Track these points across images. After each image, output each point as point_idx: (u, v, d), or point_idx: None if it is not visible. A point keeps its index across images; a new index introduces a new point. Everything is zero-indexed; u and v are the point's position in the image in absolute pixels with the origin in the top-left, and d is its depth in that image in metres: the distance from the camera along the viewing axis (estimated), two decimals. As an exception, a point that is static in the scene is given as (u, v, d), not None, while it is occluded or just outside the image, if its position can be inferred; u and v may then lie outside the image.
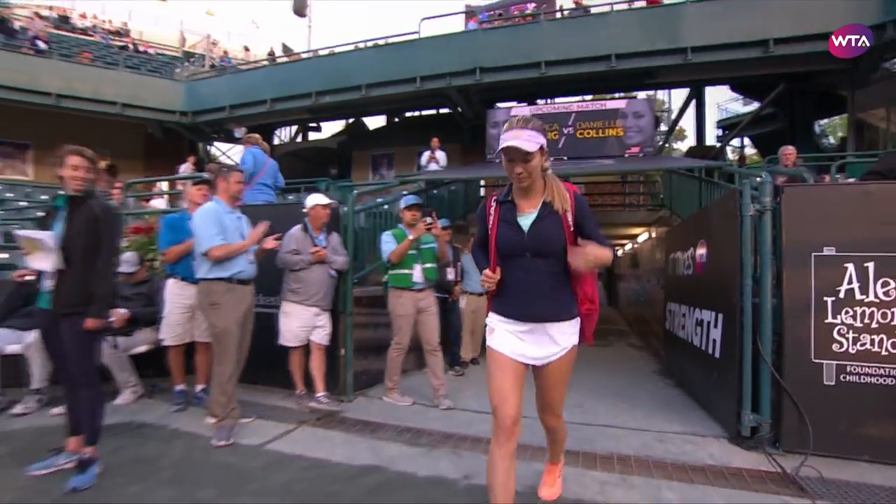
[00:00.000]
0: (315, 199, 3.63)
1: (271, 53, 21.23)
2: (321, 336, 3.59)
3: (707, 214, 4.13)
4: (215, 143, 14.69)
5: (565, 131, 8.19)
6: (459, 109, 9.93)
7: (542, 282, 1.78)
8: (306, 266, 3.50)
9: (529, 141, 1.67)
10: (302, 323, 3.50)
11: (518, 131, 1.69)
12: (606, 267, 1.74)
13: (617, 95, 10.65)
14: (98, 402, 2.51)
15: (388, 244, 3.71)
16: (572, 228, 1.77)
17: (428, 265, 3.80)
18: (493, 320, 1.88)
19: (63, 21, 19.53)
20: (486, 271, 1.80)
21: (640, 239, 9.25)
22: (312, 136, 15.65)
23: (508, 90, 9.07)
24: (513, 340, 1.82)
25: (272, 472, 2.56)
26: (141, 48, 18.10)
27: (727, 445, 3.02)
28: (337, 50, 10.21)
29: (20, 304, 3.51)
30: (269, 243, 3.19)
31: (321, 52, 10.73)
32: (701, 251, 3.96)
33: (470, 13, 23.64)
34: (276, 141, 14.38)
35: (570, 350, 1.84)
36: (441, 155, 8.63)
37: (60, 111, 10.39)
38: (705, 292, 3.84)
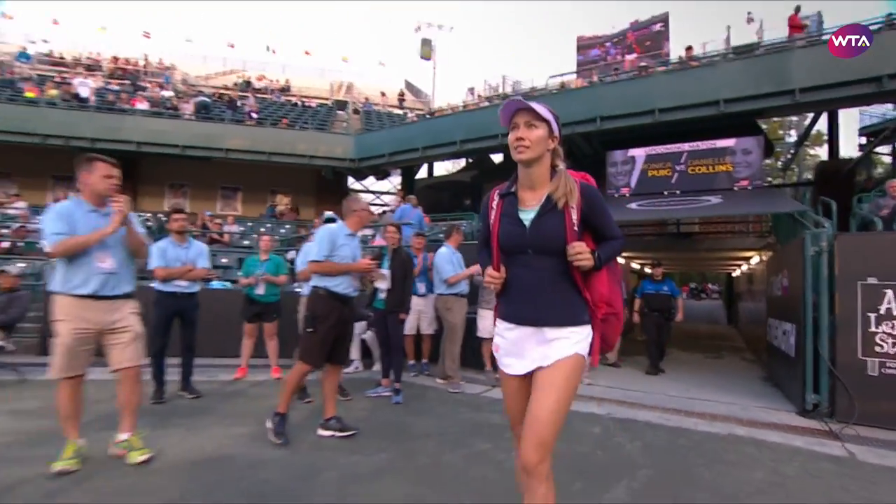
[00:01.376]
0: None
1: (428, 113, 24.48)
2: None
3: (787, 250, 5.42)
4: (362, 181, 17.97)
5: (678, 168, 9.44)
6: (579, 146, 11.55)
7: (545, 281, 1.61)
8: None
9: (538, 107, 1.59)
10: (491, 322, 5.49)
11: (531, 103, 1.61)
12: (589, 268, 1.57)
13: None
14: (399, 360, 4.68)
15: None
16: (576, 223, 1.59)
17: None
18: (497, 330, 1.76)
19: (247, 86, 24.79)
20: (490, 270, 1.69)
21: (753, 261, 10.03)
22: (439, 169, 18.27)
23: (625, 132, 10.49)
24: (514, 352, 1.68)
25: (491, 404, 4.52)
26: (304, 101, 22.33)
27: (793, 415, 4.39)
28: (472, 107, 12.49)
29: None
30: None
31: (460, 108, 13.13)
32: (784, 278, 5.26)
33: (584, 45, 25.03)
34: (417, 175, 17.11)
35: (570, 358, 1.58)
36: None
37: (268, 164, 13.95)
38: (787, 309, 5.14)
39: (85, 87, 14.76)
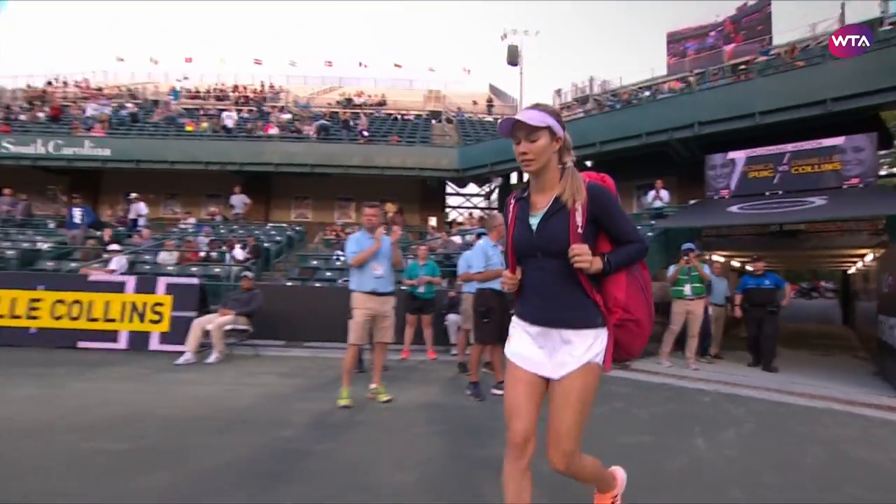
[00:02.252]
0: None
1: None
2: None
3: (891, 250, 5.87)
4: (463, 188, 19.42)
5: (780, 169, 9.70)
6: (676, 150, 12.03)
7: (555, 283, 1.64)
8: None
9: (535, 119, 1.60)
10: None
11: (525, 111, 1.64)
12: (593, 271, 1.59)
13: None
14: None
15: (669, 271, 6.52)
16: (580, 224, 1.60)
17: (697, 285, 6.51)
18: (513, 324, 1.79)
19: (348, 103, 27.35)
20: (506, 272, 1.75)
21: (867, 259, 9.95)
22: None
23: (724, 136, 10.85)
24: (528, 348, 1.71)
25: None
26: (403, 115, 24.28)
27: (892, 399, 4.96)
28: (569, 116, 13.38)
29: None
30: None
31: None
32: (891, 276, 5.75)
33: (676, 40, 24.71)
34: (513, 180, 18.24)
35: (586, 366, 1.61)
36: (665, 194, 10.98)
37: (380, 176, 15.80)
38: (893, 305, 5.63)
39: (230, 118, 17.61)
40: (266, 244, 11.83)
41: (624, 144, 11.89)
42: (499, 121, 1.86)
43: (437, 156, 15.55)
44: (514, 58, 28.06)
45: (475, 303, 4.72)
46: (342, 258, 10.77)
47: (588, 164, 15.68)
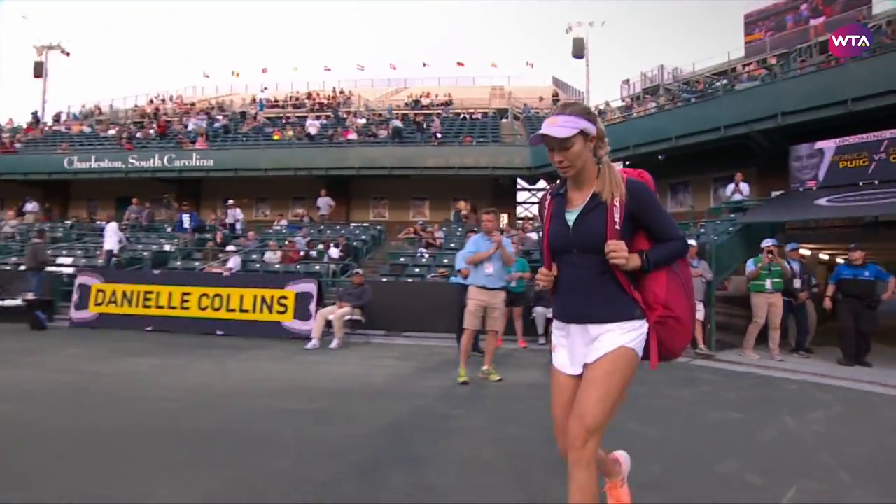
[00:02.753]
0: (689, 241, 6.95)
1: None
2: (700, 315, 6.84)
3: None
4: (534, 184, 19.84)
5: (876, 157, 9.38)
6: (757, 142, 11.79)
7: (591, 280, 1.63)
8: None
9: (564, 127, 1.57)
10: (689, 309, 6.84)
11: (553, 118, 1.61)
12: (631, 268, 1.58)
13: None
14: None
15: (749, 267, 6.75)
16: (618, 220, 1.59)
17: (777, 280, 6.70)
18: (553, 327, 1.82)
19: (416, 104, 28.38)
20: (542, 269, 1.76)
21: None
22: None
23: (811, 125, 10.55)
24: (565, 352, 1.73)
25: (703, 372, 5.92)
26: (472, 114, 24.88)
27: None
28: (641, 112, 13.43)
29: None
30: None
31: (633, 116, 14.19)
32: None
33: (753, 20, 23.52)
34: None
35: (613, 352, 1.58)
36: (745, 187, 10.89)
37: (453, 176, 16.57)
38: None
39: (314, 126, 19.08)
40: (354, 243, 12.94)
41: (701, 138, 11.84)
42: (531, 136, 1.98)
43: (509, 154, 16.10)
44: (579, 51, 27.89)
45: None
46: (426, 255, 11.64)
47: (660, 157, 15.60)
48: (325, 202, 16.22)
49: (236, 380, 4.80)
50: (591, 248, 1.61)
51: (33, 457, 2.70)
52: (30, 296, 8.77)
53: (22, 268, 10.57)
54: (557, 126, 1.57)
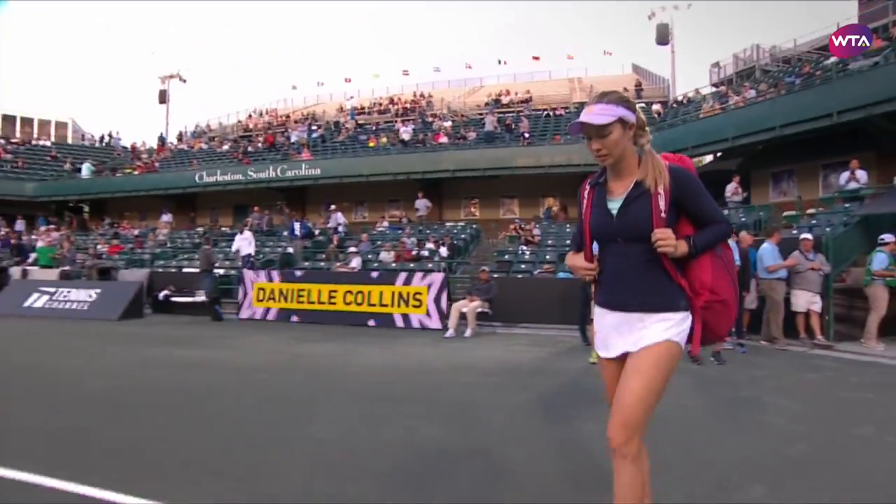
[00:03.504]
0: (805, 235, 7.18)
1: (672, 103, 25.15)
2: (817, 307, 7.09)
3: None
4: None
5: None
6: (877, 125, 11.28)
7: (636, 268, 1.64)
8: (803, 271, 7.08)
9: (602, 115, 1.58)
10: (806, 300, 7.10)
11: (591, 106, 1.63)
12: (678, 254, 1.56)
13: None
14: (741, 323, 6.78)
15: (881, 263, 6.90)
16: (663, 208, 1.58)
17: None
18: (595, 315, 1.81)
19: (496, 104, 29.09)
20: (584, 263, 1.75)
21: None
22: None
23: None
24: (611, 338, 1.71)
25: (814, 358, 6.25)
26: (554, 111, 25.19)
27: None
28: (741, 103, 13.25)
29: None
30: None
31: (731, 107, 14.04)
32: None
33: None
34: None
35: (660, 345, 1.58)
36: (861, 174, 10.58)
37: (544, 174, 17.18)
38: None
39: (406, 132, 20.48)
40: (455, 241, 14.01)
41: (810, 126, 11.57)
42: (569, 124, 2.00)
43: (600, 150, 16.43)
44: (663, 37, 27.23)
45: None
46: (527, 252, 12.44)
47: (759, 147, 15.23)
48: (422, 204, 17.49)
49: (411, 360, 5.92)
50: (636, 236, 1.62)
51: (316, 407, 3.86)
52: (201, 294, 10.67)
53: (187, 270, 12.72)
54: (595, 114, 1.60)
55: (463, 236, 14.96)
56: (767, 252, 6.96)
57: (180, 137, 32.95)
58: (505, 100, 29.47)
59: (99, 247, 17.42)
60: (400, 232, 15.91)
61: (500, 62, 41.01)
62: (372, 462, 2.70)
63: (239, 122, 35.78)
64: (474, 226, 16.44)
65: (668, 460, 2.62)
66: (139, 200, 24.03)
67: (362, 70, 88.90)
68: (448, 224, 17.83)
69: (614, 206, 1.67)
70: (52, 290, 10.46)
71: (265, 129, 30.73)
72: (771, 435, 3.26)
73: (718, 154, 17.41)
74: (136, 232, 20.86)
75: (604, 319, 1.74)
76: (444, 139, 19.81)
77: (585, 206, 1.77)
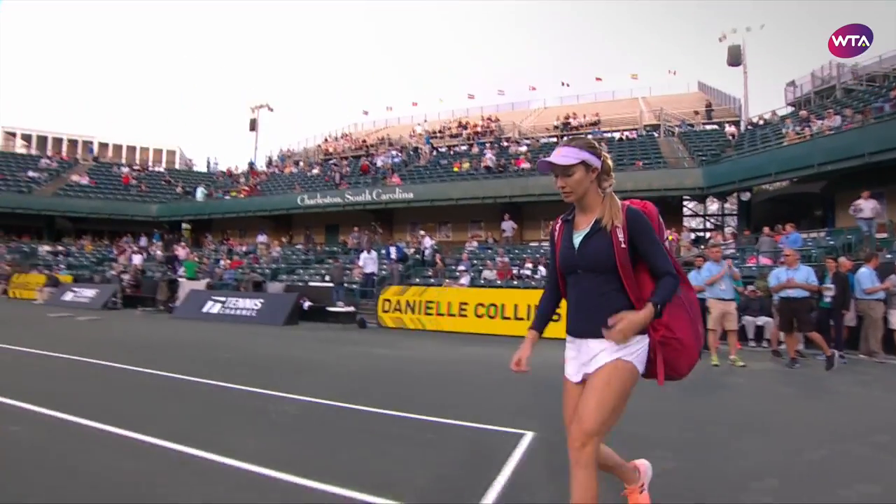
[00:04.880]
0: None
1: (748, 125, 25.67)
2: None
3: None
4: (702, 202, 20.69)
5: None
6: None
7: (593, 297, 1.82)
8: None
9: (566, 157, 1.82)
10: (902, 318, 8.03)
11: (560, 149, 1.87)
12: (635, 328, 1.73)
13: None
14: (840, 338, 7.81)
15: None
16: (622, 240, 1.79)
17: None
18: (566, 341, 1.96)
19: (565, 127, 30.36)
20: (517, 357, 2.02)
21: None
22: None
23: None
24: (572, 362, 1.91)
25: None
26: (626, 135, 26.15)
27: None
28: (827, 131, 14.02)
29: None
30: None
31: (817, 136, 14.81)
32: None
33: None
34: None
35: (610, 364, 1.77)
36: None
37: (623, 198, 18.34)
38: None
39: (491, 159, 22.23)
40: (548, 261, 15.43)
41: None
42: (538, 162, 1.95)
43: (680, 176, 17.48)
44: (736, 58, 27.77)
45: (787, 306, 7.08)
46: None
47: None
48: (508, 225, 19.06)
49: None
50: (594, 267, 1.82)
51: (534, 396, 5.40)
52: (340, 304, 12.61)
53: (313, 284, 14.82)
54: (561, 156, 1.83)
55: (551, 256, 16.35)
56: (865, 276, 7.98)
57: (269, 163, 36.30)
58: (574, 122, 30.56)
59: (221, 262, 20.13)
60: (490, 251, 17.52)
61: (563, 84, 41.83)
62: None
63: (319, 146, 38.82)
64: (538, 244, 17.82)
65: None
66: (240, 220, 27.01)
67: (427, 93, 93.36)
68: (532, 244, 19.31)
69: (577, 239, 1.89)
70: (224, 299, 12.74)
71: (345, 153, 33.49)
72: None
73: (795, 180, 17.89)
74: (244, 248, 23.66)
75: (569, 346, 1.94)
76: (525, 164, 21.38)
77: (556, 239, 2.01)
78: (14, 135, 37.55)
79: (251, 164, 35.55)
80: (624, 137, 24.75)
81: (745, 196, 15.74)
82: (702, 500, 2.58)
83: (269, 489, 2.57)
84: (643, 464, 2.26)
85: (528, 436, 3.51)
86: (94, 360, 6.13)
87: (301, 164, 32.77)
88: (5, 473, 2.69)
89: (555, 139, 28.69)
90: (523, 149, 24.95)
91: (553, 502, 2.49)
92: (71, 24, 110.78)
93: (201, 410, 4.22)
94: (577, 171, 1.84)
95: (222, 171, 34.86)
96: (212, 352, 7.50)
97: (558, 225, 2.03)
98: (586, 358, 1.86)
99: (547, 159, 1.88)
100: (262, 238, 24.43)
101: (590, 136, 26.48)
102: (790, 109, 23.18)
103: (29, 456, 2.97)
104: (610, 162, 1.93)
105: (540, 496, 2.60)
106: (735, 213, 21.64)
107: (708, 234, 20.82)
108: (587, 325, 1.84)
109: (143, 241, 25.54)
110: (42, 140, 38.06)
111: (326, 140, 40.90)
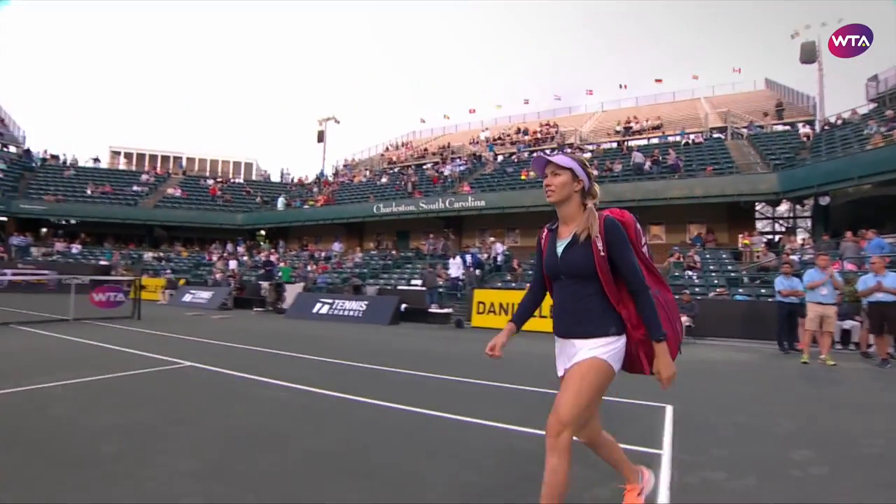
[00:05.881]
0: None
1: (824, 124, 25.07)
2: None
3: None
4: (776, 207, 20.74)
5: None
6: None
7: (574, 301, 2.01)
8: None
9: (562, 160, 2.05)
10: None
11: (558, 155, 2.11)
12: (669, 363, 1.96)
13: None
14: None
15: None
16: (601, 248, 1.96)
17: None
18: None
19: (626, 131, 30.67)
20: (494, 342, 2.22)
21: None
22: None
23: None
24: (559, 358, 2.13)
25: None
26: (691, 139, 26.20)
27: None
28: None
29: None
30: None
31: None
32: None
33: None
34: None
35: (586, 361, 1.96)
36: None
37: (691, 205, 18.75)
38: None
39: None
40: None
41: None
42: (532, 159, 2.14)
43: (754, 181, 17.73)
44: (810, 56, 27.27)
45: (877, 310, 7.74)
46: (694, 276, 14.31)
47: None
48: (578, 231, 19.88)
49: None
50: (575, 273, 2.00)
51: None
52: (434, 307, 13.97)
53: (402, 287, 16.28)
54: (559, 158, 2.08)
55: (624, 261, 17.07)
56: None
57: (336, 173, 38.60)
58: (635, 126, 30.76)
59: (308, 268, 22.05)
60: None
61: (620, 86, 41.94)
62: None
63: (382, 155, 40.75)
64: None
65: None
66: (315, 227, 29.13)
67: (482, 100, 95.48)
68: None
69: (560, 247, 2.07)
70: (331, 301, 14.41)
71: (407, 161, 35.18)
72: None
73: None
74: (323, 254, 25.65)
75: (556, 344, 2.13)
76: (593, 172, 22.09)
77: (543, 247, 2.17)
78: (119, 153, 42.01)
79: (320, 175, 37.96)
80: (690, 141, 24.86)
81: (825, 200, 15.87)
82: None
83: (499, 435, 3.82)
84: (648, 471, 2.44)
85: (669, 408, 4.60)
86: (284, 352, 7.69)
87: (368, 172, 34.76)
88: (307, 423, 4.09)
89: (616, 144, 29.14)
90: (587, 155, 25.66)
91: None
92: (157, 52, 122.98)
93: (436, 393, 5.44)
94: (564, 174, 2.06)
95: (294, 181, 37.49)
96: (365, 346, 8.89)
97: (544, 234, 2.21)
98: (569, 355, 2.05)
99: (544, 156, 2.12)
100: (337, 246, 26.41)
101: (655, 141, 27.09)
102: (872, 106, 22.63)
103: (303, 413, 4.39)
104: (597, 189, 2.14)
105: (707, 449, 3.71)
106: (808, 215, 21.51)
107: (778, 238, 20.77)
108: (570, 327, 2.05)
109: (230, 248, 28.15)
110: (140, 157, 42.27)
111: (387, 149, 42.87)
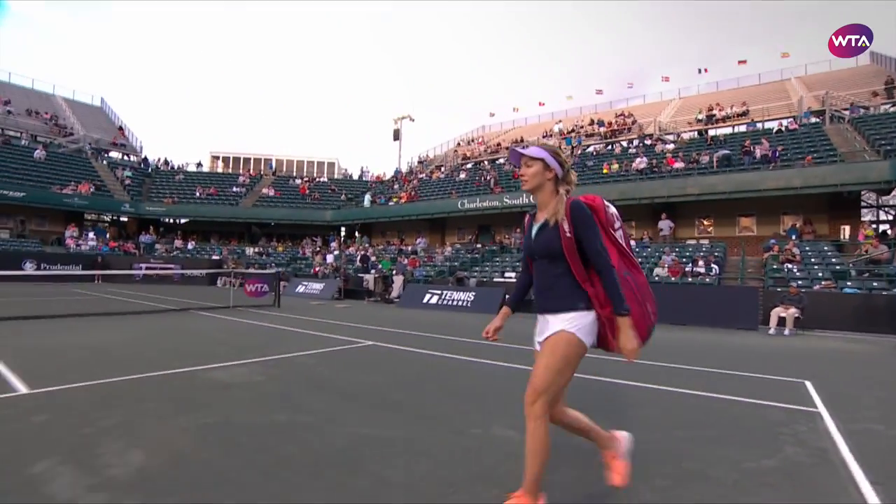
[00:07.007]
0: None
1: None
2: None
3: None
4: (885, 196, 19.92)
5: None
6: None
7: (547, 279, 2.21)
8: None
9: (531, 152, 2.22)
10: None
11: (529, 147, 2.25)
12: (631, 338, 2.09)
13: None
14: None
15: None
16: (569, 234, 2.13)
17: None
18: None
19: (709, 119, 29.95)
20: (490, 325, 2.43)
21: None
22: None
23: None
24: (537, 333, 2.29)
25: None
26: (785, 126, 25.19)
27: None
28: None
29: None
30: None
31: None
32: None
33: None
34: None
35: (555, 335, 2.14)
36: None
37: (786, 196, 18.44)
38: None
39: (642, 162, 23.34)
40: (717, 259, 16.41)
41: None
42: (509, 150, 2.30)
43: (862, 170, 17.10)
44: None
45: None
46: (795, 269, 14.38)
47: None
48: (666, 224, 20.17)
49: (771, 345, 8.92)
50: (546, 254, 2.21)
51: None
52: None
53: (498, 279, 17.40)
54: (530, 149, 2.25)
55: (716, 252, 17.26)
56: None
57: (411, 170, 40.27)
58: (718, 114, 29.87)
59: (404, 262, 23.65)
60: (649, 249, 18.83)
61: (699, 70, 40.47)
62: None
63: (455, 151, 41.94)
64: (721, 244, 18.52)
65: None
66: (397, 223, 30.84)
67: (549, 90, 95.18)
68: (690, 242, 20.17)
69: (534, 231, 2.28)
70: (440, 291, 15.78)
71: (481, 156, 36.14)
72: None
73: None
74: (409, 248, 27.27)
75: (537, 320, 2.30)
76: (679, 164, 22.15)
77: (525, 230, 2.37)
78: (217, 157, 46.19)
79: (397, 172, 39.78)
80: (783, 128, 23.99)
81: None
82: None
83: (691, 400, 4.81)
84: (623, 435, 2.56)
85: (808, 383, 5.39)
86: (427, 334, 9.01)
87: (444, 168, 36.11)
88: (466, 380, 5.23)
89: (698, 133, 28.56)
90: (670, 146, 25.54)
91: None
92: (245, 61, 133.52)
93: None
94: (535, 165, 2.23)
95: (373, 178, 39.59)
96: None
97: (527, 218, 2.41)
98: (543, 330, 2.25)
99: (517, 149, 2.30)
100: (421, 240, 27.95)
101: (742, 129, 26.28)
102: None
103: (461, 376, 5.55)
104: (573, 176, 2.30)
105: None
106: (920, 204, 20.44)
107: (890, 228, 19.88)
108: (544, 303, 2.25)
109: (324, 242, 30.48)
110: (236, 160, 46.25)
111: (459, 144, 44.02)
